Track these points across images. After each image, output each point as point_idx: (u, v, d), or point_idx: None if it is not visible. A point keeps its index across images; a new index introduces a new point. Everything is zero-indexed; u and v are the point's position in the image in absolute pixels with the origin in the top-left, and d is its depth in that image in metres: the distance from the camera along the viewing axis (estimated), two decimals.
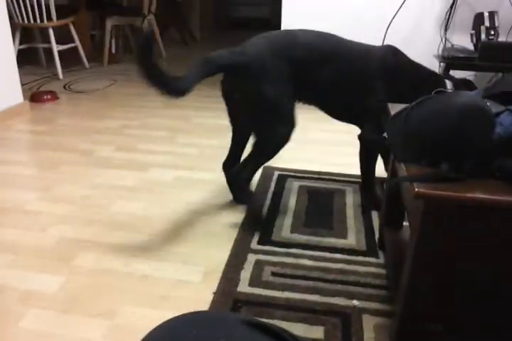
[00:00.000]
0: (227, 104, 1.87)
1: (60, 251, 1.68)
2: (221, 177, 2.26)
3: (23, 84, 3.28)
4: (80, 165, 2.40)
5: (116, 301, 1.44)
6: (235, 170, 1.86)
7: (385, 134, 1.34)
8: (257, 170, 1.83)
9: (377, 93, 1.79)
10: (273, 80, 1.66)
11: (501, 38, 2.77)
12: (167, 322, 0.60)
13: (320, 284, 1.50)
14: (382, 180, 2.18)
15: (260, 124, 1.74)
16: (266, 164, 2.27)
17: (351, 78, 1.78)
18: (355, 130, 1.97)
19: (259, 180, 2.22)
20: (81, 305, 1.42)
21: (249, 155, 1.80)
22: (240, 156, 1.96)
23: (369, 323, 1.34)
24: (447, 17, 3.02)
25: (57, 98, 3.55)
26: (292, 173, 2.28)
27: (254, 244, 1.71)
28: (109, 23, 4.57)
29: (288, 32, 1.81)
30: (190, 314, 0.62)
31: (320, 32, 1.81)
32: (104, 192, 2.11)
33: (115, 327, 1.34)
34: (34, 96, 3.45)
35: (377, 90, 1.79)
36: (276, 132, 1.71)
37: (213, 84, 4.02)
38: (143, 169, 2.36)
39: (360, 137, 1.94)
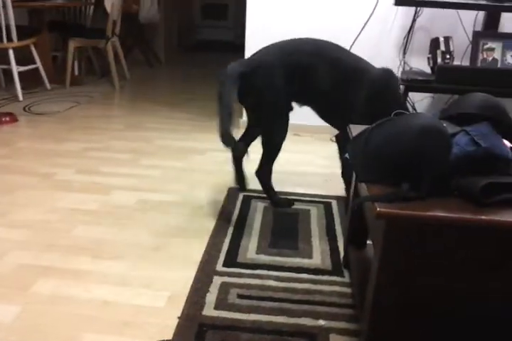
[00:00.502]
0: (244, 108, 2.18)
1: (16, 278, 1.62)
2: (185, 199, 2.25)
3: None
4: (39, 189, 2.33)
5: (76, 329, 1.39)
6: (257, 172, 2.17)
7: (346, 155, 1.37)
8: (271, 163, 2.13)
9: (359, 109, 1.88)
10: (274, 85, 1.93)
11: (456, 62, 2.90)
12: None
13: (286, 305, 1.49)
14: (343, 199, 2.21)
15: (265, 123, 2.05)
16: (230, 186, 2.29)
17: (342, 90, 1.95)
18: (316, 151, 2.01)
19: (224, 202, 2.22)
20: (39, 335, 1.36)
21: (262, 156, 2.12)
22: (248, 145, 2.25)
23: None
24: (405, 41, 3.15)
25: (17, 120, 3.47)
26: (257, 194, 2.28)
27: (219, 266, 1.69)
28: (72, 45, 4.53)
29: (294, 40, 2.04)
30: None
31: (327, 42, 2.02)
32: (65, 217, 2.05)
33: None
34: None
35: (359, 107, 1.88)
36: (278, 129, 2.04)
37: (173, 106, 4.04)
38: (105, 192, 2.31)
39: (337, 137, 2.04)
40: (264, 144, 2.08)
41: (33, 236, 1.88)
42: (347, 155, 1.37)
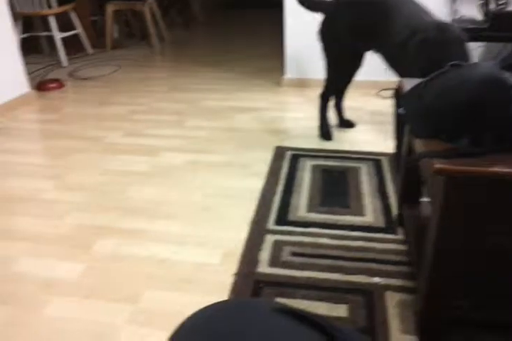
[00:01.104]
0: None
1: (78, 238, 1.69)
2: (232, 159, 2.25)
3: (28, 74, 3.25)
4: (91, 152, 2.39)
5: (137, 286, 1.44)
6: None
7: (400, 110, 1.31)
8: (327, 95, 2.40)
9: (418, 63, 1.81)
10: (332, 34, 2.19)
11: (511, 8, 2.69)
12: (199, 311, 0.59)
13: (340, 262, 1.49)
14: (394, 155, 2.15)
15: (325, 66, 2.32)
16: (278, 144, 2.28)
17: (402, 42, 1.88)
18: (364, 106, 1.94)
19: (272, 160, 2.20)
20: (103, 291, 1.43)
21: None
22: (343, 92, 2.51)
23: (392, 300, 1.34)
24: None
25: (63, 86, 3.53)
26: (304, 152, 2.26)
27: (271, 225, 1.70)
28: (110, 9, 4.51)
29: None
30: (220, 303, 0.61)
31: None
32: (117, 178, 2.10)
33: (138, 312, 1.34)
34: (40, 85, 3.43)
35: (414, 59, 1.82)
36: (330, 75, 2.33)
37: (215, 66, 3.99)
38: (154, 154, 2.34)
39: (396, 91, 2.00)
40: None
41: (89, 198, 1.95)
42: (401, 110, 1.31)
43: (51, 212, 1.85)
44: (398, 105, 2.00)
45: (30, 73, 3.60)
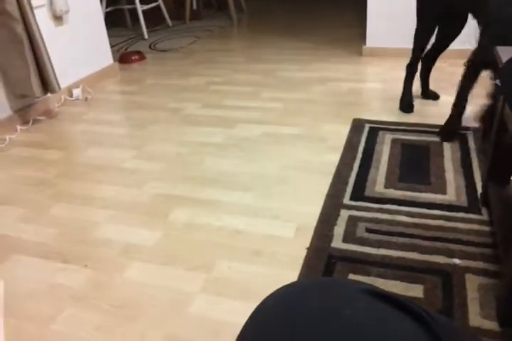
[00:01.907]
0: None
1: (155, 207, 1.75)
2: (309, 131, 2.21)
3: (111, 46, 3.37)
4: (170, 123, 2.45)
5: (211, 255, 1.48)
6: None
7: (497, 81, 1.20)
8: (414, 57, 2.27)
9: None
10: None
11: None
12: (284, 288, 0.58)
13: (418, 241, 1.43)
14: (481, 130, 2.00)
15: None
16: (356, 116, 2.20)
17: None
18: (451, 77, 1.79)
19: (349, 134, 2.14)
20: (178, 259, 1.48)
21: None
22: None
23: (472, 283, 1.26)
24: None
25: (145, 58, 3.62)
26: (384, 126, 2.16)
27: (346, 200, 1.66)
28: None
29: None
30: (308, 280, 0.59)
31: None
32: (195, 149, 2.14)
33: (212, 281, 1.38)
34: (123, 58, 3.55)
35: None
36: (417, 35, 2.23)
37: (294, 36, 3.89)
38: (230, 126, 2.36)
39: (471, 61, 1.87)
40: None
41: (167, 168, 2.01)
42: (498, 81, 1.20)
43: (131, 181, 1.93)
44: (495, 76, 1.84)
45: (113, 46, 3.74)
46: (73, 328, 1.26)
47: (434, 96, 2.41)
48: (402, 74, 2.61)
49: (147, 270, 1.45)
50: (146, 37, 4.17)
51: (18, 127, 2.47)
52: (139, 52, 3.66)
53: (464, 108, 1.95)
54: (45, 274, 1.46)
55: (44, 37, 2.41)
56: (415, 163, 1.85)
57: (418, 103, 2.38)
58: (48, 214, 1.76)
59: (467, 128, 2.05)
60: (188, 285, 1.37)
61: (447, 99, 2.39)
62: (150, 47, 3.95)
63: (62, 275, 1.45)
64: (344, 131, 2.18)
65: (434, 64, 2.35)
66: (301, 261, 1.41)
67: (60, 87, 2.55)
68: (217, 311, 1.28)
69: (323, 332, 0.51)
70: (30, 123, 2.54)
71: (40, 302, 1.35)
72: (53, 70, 2.48)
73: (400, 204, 1.61)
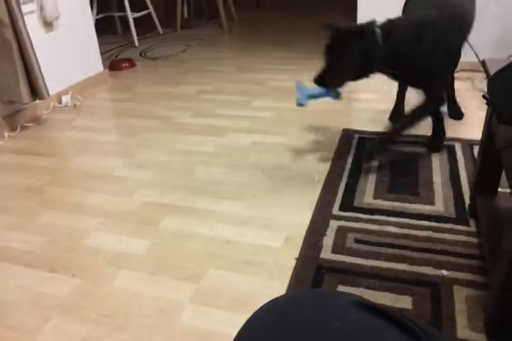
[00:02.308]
0: None
1: (145, 215, 1.74)
2: (299, 141, 2.22)
3: (102, 53, 3.36)
4: (160, 131, 2.44)
5: (201, 265, 1.47)
6: None
7: (484, 93, 1.22)
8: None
9: None
10: None
11: None
12: (274, 300, 0.58)
13: (407, 252, 1.44)
14: (470, 142, 2.04)
15: None
16: (345, 126, 2.22)
17: None
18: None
19: (338, 144, 2.15)
20: (168, 268, 1.47)
21: None
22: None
23: (460, 294, 1.28)
24: None
25: (135, 65, 3.62)
26: (373, 136, 2.18)
27: (335, 210, 1.67)
28: None
29: None
30: (299, 292, 0.60)
31: None
32: (185, 158, 2.14)
33: (202, 290, 1.37)
34: (113, 65, 3.54)
35: None
36: None
37: (285, 46, 3.92)
38: (221, 135, 2.36)
39: None
40: None
41: (157, 176, 2.00)
42: (485, 93, 1.22)
43: (121, 189, 1.92)
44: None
45: (103, 53, 3.73)
46: (61, 338, 1.24)
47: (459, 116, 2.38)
48: (395, 86, 2.64)
49: (136, 279, 1.44)
50: (137, 44, 4.17)
51: (6, 134, 2.45)
52: (129, 60, 3.66)
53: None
54: (32, 283, 1.44)
55: (34, 43, 2.40)
56: (404, 174, 1.87)
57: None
58: (37, 222, 1.74)
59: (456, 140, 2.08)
60: (177, 295, 1.36)
61: None
62: (140, 54, 3.95)
63: (49, 284, 1.43)
64: (334, 140, 2.19)
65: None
66: (290, 272, 1.42)
67: (49, 94, 2.53)
68: (207, 321, 1.27)
69: None
70: (18, 129, 2.51)
71: (27, 312, 1.33)
72: (42, 76, 2.47)
73: (388, 215, 1.62)
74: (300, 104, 1.92)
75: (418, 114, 1.90)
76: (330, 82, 1.80)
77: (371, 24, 1.73)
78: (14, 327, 1.29)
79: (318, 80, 1.78)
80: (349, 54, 1.71)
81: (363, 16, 3.05)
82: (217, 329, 1.24)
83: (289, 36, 4.25)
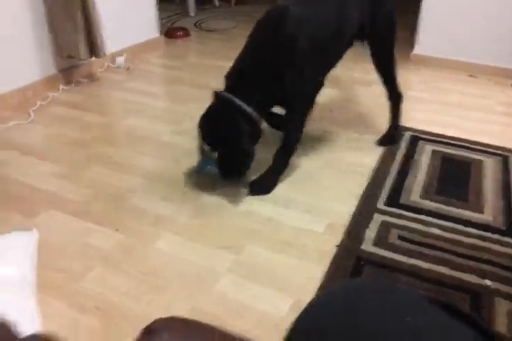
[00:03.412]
0: None
1: (190, 183, 1.75)
2: (348, 131, 2.19)
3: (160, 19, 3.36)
4: (207, 103, 2.43)
5: (241, 238, 1.48)
6: None
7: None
8: None
9: None
10: None
11: None
12: (344, 285, 0.57)
13: (449, 256, 1.42)
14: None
15: None
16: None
17: None
18: (494, 96, 1.75)
19: None
20: (209, 237, 1.48)
21: None
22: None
23: (502, 308, 1.25)
24: None
25: (189, 35, 3.61)
26: (425, 136, 2.14)
27: (380, 204, 1.66)
28: None
29: None
30: (369, 282, 0.59)
31: None
32: None
33: (240, 263, 1.39)
34: (168, 32, 3.53)
35: None
36: None
37: None
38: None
39: None
40: None
41: None
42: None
43: (167, 155, 1.93)
44: None
45: (160, 20, 3.72)
46: (102, 288, 1.28)
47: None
48: (448, 86, 2.59)
49: (177, 243, 1.46)
50: (193, 14, 4.15)
51: (61, 86, 2.48)
52: (184, 29, 3.64)
53: None
54: (78, 232, 1.48)
55: (96, 2, 2.40)
56: (454, 178, 1.83)
57: (465, 119, 2.35)
58: (84, 175, 1.77)
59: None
60: (216, 264, 1.38)
61: (494, 119, 2.37)
62: (195, 25, 3.93)
63: (95, 236, 1.47)
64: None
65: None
66: (329, 258, 1.41)
67: (105, 53, 2.55)
68: (242, 294, 1.28)
69: (384, 337, 0.50)
70: (73, 84, 2.54)
71: (72, 259, 1.37)
72: (102, 35, 2.48)
73: (434, 217, 1.60)
74: (198, 171, 1.79)
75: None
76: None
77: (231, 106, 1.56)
78: (60, 271, 1.33)
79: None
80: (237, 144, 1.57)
81: (426, 12, 2.97)
82: (251, 303, 1.25)
83: None
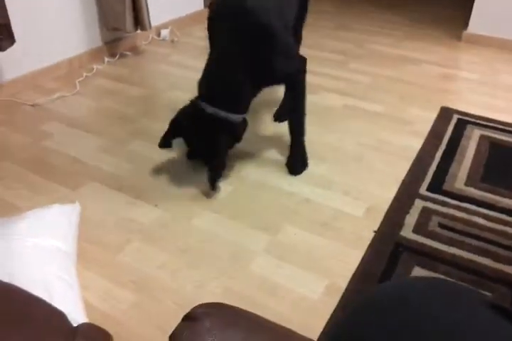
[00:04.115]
0: None
1: (230, 160, 1.74)
2: (393, 111, 2.13)
3: None
4: None
5: (278, 218, 1.48)
6: None
7: None
8: None
9: None
10: None
11: None
12: (403, 281, 0.56)
13: (493, 248, 1.38)
14: None
15: None
16: (445, 104, 2.10)
17: None
18: None
19: (435, 121, 2.04)
20: (246, 216, 1.49)
21: None
22: None
23: None
24: None
25: None
26: (474, 120, 2.05)
27: (423, 190, 1.61)
28: None
29: None
30: (429, 279, 0.57)
31: None
32: (274, 110, 2.11)
33: (276, 243, 1.39)
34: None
35: None
36: None
37: (389, 8, 3.69)
38: (313, 91, 2.28)
39: None
40: None
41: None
42: None
43: None
44: None
45: None
46: (139, 261, 1.31)
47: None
48: (503, 67, 2.47)
49: (214, 220, 1.47)
50: None
51: (106, 59, 2.50)
52: None
53: None
54: (118, 206, 1.51)
55: None
56: (502, 165, 1.76)
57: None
58: (126, 149, 1.80)
59: None
60: (252, 243, 1.38)
61: None
62: None
63: (134, 210, 1.50)
64: (430, 117, 2.08)
65: None
66: (367, 243, 1.40)
67: (151, 26, 2.54)
68: (276, 274, 1.29)
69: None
70: (117, 56, 2.56)
71: (111, 232, 1.41)
72: (147, 8, 2.47)
73: (479, 205, 1.54)
74: None
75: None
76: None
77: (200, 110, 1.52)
78: (98, 243, 1.37)
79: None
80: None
81: None
82: (285, 284, 1.26)
83: None
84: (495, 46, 2.84)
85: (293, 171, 1.70)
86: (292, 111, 1.74)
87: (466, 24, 2.98)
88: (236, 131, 1.59)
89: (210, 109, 1.50)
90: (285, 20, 1.62)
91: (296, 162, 1.72)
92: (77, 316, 0.98)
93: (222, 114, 1.51)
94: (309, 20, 3.31)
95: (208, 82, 1.57)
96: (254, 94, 1.60)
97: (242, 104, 1.57)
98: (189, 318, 0.56)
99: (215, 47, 1.59)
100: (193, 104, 1.56)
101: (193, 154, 1.70)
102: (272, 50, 1.50)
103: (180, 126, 1.58)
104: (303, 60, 1.80)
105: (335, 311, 1.17)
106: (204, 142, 1.56)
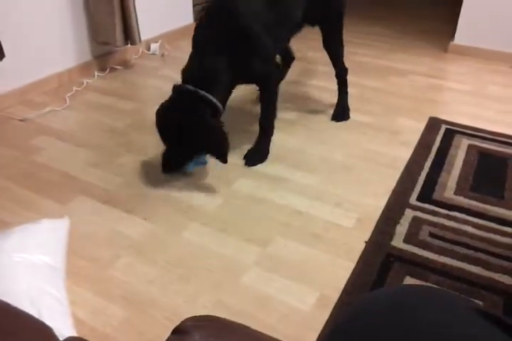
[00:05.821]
0: None
1: (221, 173, 1.75)
2: (381, 122, 2.15)
3: (193, 6, 3.34)
4: (244, 91, 2.42)
5: (269, 231, 1.48)
6: None
7: None
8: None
9: None
10: None
11: None
12: (392, 289, 0.56)
13: (483, 256, 1.38)
14: None
15: None
16: (432, 115, 2.13)
17: None
18: None
19: (424, 131, 2.06)
20: (237, 228, 1.49)
21: None
22: None
23: None
24: None
25: None
26: (462, 129, 2.07)
27: (413, 200, 1.62)
28: None
29: None
30: (421, 286, 0.57)
31: None
32: None
33: (267, 255, 1.38)
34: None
35: None
36: None
37: (375, 20, 3.74)
38: (302, 103, 2.32)
39: None
40: None
41: (235, 138, 1.99)
42: None
43: None
44: None
45: (194, 5, 3.70)
46: (129, 276, 1.30)
47: None
48: (490, 77, 2.50)
49: (205, 233, 1.46)
50: None
51: (96, 73, 2.51)
52: None
53: None
54: (107, 220, 1.50)
55: None
56: (490, 174, 1.77)
57: (504, 113, 2.26)
58: (116, 163, 1.80)
59: None
60: (243, 256, 1.38)
61: None
62: None
63: (124, 224, 1.49)
64: (419, 127, 2.10)
65: None
66: (358, 253, 1.40)
67: (140, 39, 2.56)
68: (268, 287, 1.28)
69: None
70: (107, 70, 2.57)
71: (101, 246, 1.40)
72: (137, 22, 2.49)
73: (468, 214, 1.55)
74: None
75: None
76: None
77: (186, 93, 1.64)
78: (88, 258, 1.36)
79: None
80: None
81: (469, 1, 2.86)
82: (276, 296, 1.25)
83: (380, 11, 4.05)
84: (481, 57, 2.88)
85: (247, 161, 1.83)
86: (261, 112, 1.85)
87: (452, 36, 3.03)
88: (216, 112, 1.65)
89: (191, 88, 1.62)
90: (276, 31, 1.77)
91: (254, 154, 1.84)
92: (65, 331, 0.97)
93: (202, 92, 1.61)
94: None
95: (190, 69, 1.71)
96: (231, 86, 1.75)
97: (219, 89, 1.67)
98: (179, 331, 0.56)
99: (199, 42, 1.76)
100: (174, 87, 1.69)
101: (169, 166, 1.70)
102: (249, 50, 1.66)
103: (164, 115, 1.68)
104: (277, 71, 1.99)
105: (327, 323, 1.17)
106: (188, 121, 1.61)
